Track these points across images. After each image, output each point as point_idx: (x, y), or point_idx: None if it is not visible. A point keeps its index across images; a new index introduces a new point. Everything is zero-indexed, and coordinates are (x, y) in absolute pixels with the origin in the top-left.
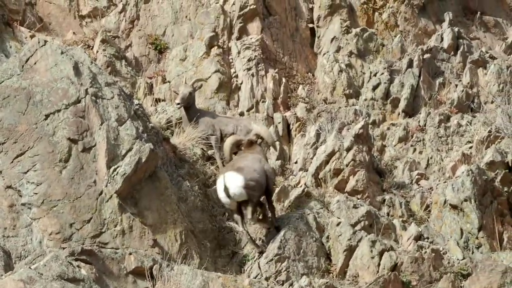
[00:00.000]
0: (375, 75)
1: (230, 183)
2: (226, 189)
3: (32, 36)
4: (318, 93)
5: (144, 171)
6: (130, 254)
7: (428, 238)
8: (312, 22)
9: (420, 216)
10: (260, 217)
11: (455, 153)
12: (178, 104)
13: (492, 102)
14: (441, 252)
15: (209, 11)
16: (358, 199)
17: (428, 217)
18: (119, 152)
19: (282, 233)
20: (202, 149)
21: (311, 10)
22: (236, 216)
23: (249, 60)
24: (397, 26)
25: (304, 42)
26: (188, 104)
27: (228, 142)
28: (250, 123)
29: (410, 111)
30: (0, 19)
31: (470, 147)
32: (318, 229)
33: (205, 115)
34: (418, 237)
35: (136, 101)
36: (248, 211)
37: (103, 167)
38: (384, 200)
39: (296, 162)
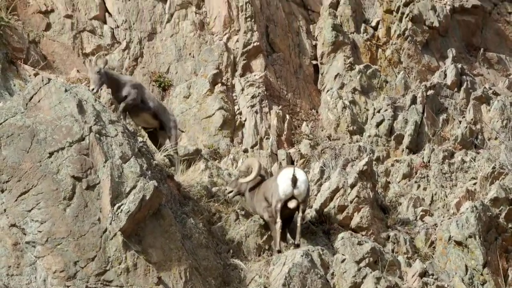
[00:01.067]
0: (378, 111)
1: (300, 175)
2: (294, 179)
3: (36, 74)
4: (322, 130)
5: (148, 208)
6: None
7: (433, 274)
8: (316, 59)
9: (425, 252)
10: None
11: (459, 189)
12: (93, 89)
13: (495, 138)
14: None
15: (212, 48)
16: (363, 235)
17: (433, 254)
18: (123, 190)
19: (286, 270)
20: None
21: (314, 47)
22: (278, 221)
23: (253, 97)
24: (400, 63)
25: (307, 79)
26: (104, 82)
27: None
28: None
29: (414, 148)
30: (4, 58)
31: (474, 183)
32: (322, 266)
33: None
34: (423, 274)
35: (140, 139)
36: (302, 211)
37: (107, 205)
38: (389, 237)
39: None
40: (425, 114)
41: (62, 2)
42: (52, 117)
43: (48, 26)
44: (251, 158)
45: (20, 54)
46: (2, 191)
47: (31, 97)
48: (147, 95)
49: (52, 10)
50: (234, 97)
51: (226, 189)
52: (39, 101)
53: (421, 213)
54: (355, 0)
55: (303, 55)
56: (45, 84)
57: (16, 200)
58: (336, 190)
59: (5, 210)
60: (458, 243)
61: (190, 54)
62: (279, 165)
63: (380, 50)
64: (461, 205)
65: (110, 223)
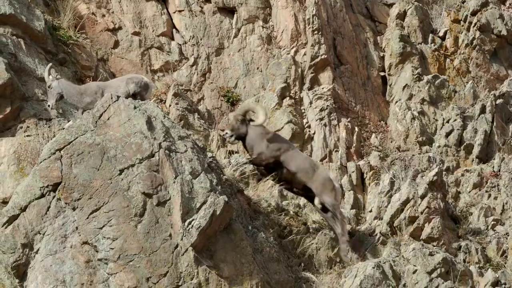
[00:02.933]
0: (447, 121)
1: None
2: None
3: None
4: (391, 141)
5: (219, 223)
6: None
7: (505, 284)
8: (384, 70)
9: (497, 262)
10: None
11: None
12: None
13: None
14: None
15: (280, 62)
16: (434, 246)
17: (505, 263)
18: (193, 205)
19: (358, 282)
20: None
21: (382, 58)
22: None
23: (321, 110)
24: (468, 72)
25: (376, 91)
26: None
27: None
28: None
29: (484, 157)
30: (73, 76)
31: None
32: (394, 278)
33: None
34: (495, 283)
35: (209, 154)
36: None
37: (178, 221)
38: (460, 247)
39: (370, 211)
40: (494, 123)
41: (130, 20)
42: (121, 134)
43: (116, 44)
44: (248, 102)
45: (89, 72)
46: (74, 209)
47: (101, 115)
48: None
49: (120, 28)
50: (303, 111)
51: (226, 133)
52: (108, 118)
53: (492, 222)
54: (422, 11)
55: (371, 66)
56: (114, 101)
57: (87, 218)
58: (407, 201)
59: (77, 228)
60: None
61: (257, 68)
62: (349, 178)
63: (448, 60)
64: None
65: (182, 239)
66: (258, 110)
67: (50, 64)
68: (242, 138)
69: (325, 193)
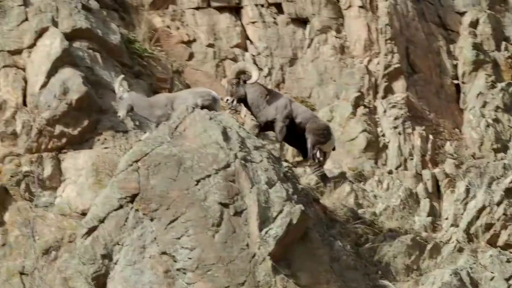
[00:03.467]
0: None
1: None
2: None
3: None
4: (466, 149)
5: (295, 232)
6: None
7: None
8: (457, 78)
9: None
10: None
11: None
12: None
13: None
14: None
15: (353, 72)
16: (511, 252)
17: None
18: (270, 215)
19: None
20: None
21: (455, 66)
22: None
23: (395, 118)
24: None
25: (449, 98)
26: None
27: None
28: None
29: None
30: (148, 88)
31: None
32: (472, 285)
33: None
34: None
35: (285, 164)
36: None
37: (255, 230)
38: None
39: (446, 218)
40: None
41: (204, 32)
42: (197, 145)
43: (191, 56)
44: (237, 64)
45: (164, 84)
46: (152, 220)
47: (177, 126)
48: None
49: (194, 40)
50: (377, 119)
51: (227, 100)
52: (184, 130)
53: None
54: (495, 18)
55: (444, 74)
56: (190, 113)
57: (165, 228)
58: (483, 208)
59: (155, 238)
60: None
61: (331, 78)
62: (424, 185)
63: None
64: None
65: (259, 248)
66: (250, 68)
67: (122, 76)
68: (242, 100)
69: (314, 133)
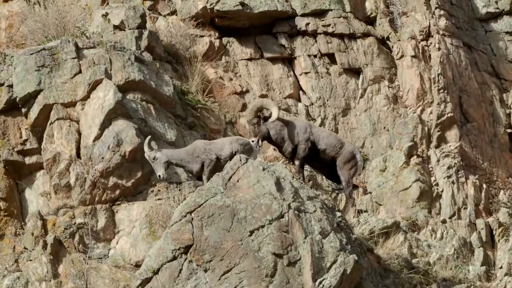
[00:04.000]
0: None
1: None
2: None
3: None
4: None
5: (349, 282)
6: None
7: None
8: (510, 127)
9: None
10: None
11: None
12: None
13: None
14: None
15: (406, 121)
16: None
17: None
18: (324, 265)
19: None
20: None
21: (508, 115)
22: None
23: (449, 167)
24: None
25: (503, 147)
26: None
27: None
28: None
29: None
30: (202, 139)
31: None
32: None
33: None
34: None
35: (338, 214)
36: None
37: (309, 280)
38: None
39: (501, 267)
40: None
41: (257, 83)
42: (251, 195)
43: (244, 107)
44: (254, 102)
45: (218, 135)
46: (206, 271)
47: (230, 177)
48: None
49: (247, 91)
50: (430, 169)
51: (252, 141)
52: (238, 180)
53: None
54: None
55: (497, 124)
56: (243, 163)
57: (219, 279)
58: None
59: None
60: None
61: (384, 127)
62: (478, 234)
63: None
64: None
65: None
66: (269, 105)
67: (149, 137)
68: (266, 138)
69: (345, 168)
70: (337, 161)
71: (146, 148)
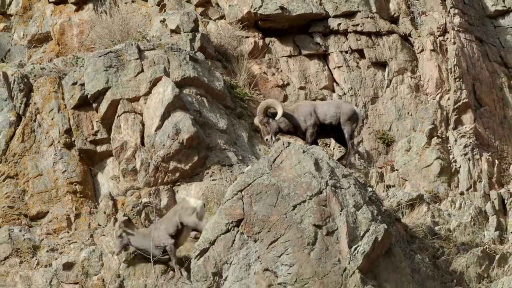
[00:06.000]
0: None
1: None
2: None
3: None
4: None
5: (380, 248)
6: None
7: None
8: None
9: None
10: None
11: None
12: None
13: None
14: None
15: (427, 107)
16: None
17: None
18: (358, 234)
19: None
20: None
21: None
22: None
23: (465, 146)
24: None
25: None
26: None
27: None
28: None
29: None
30: (249, 127)
31: None
32: None
33: None
34: None
35: (369, 189)
36: None
37: (345, 247)
38: None
39: None
40: None
41: (296, 76)
42: (293, 175)
43: (285, 98)
44: (261, 104)
45: None
46: (255, 241)
47: (275, 159)
48: None
49: (288, 84)
50: (449, 148)
51: (267, 139)
52: (281, 162)
53: None
54: None
55: (507, 107)
56: (286, 147)
57: (267, 248)
58: None
59: (258, 257)
60: None
61: (408, 113)
62: (492, 204)
63: None
64: None
65: (349, 263)
66: (273, 103)
67: (123, 218)
68: (279, 131)
69: (348, 124)
70: (341, 121)
71: (116, 227)
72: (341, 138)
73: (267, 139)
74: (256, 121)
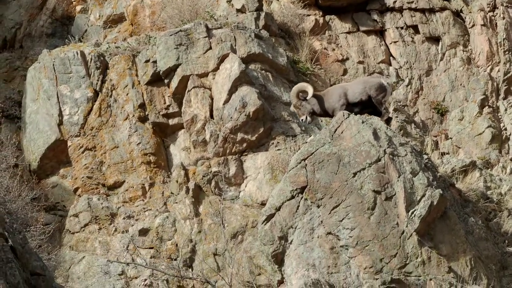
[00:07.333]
0: None
1: None
2: None
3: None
4: None
5: (436, 212)
6: (431, 280)
7: None
8: None
9: None
10: None
11: None
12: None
13: None
14: None
15: (479, 79)
16: None
17: None
18: (414, 198)
19: None
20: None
21: None
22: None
23: None
24: None
25: None
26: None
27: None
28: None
29: None
30: None
31: None
32: None
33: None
34: None
35: (425, 156)
36: None
37: (402, 211)
38: None
39: None
40: None
41: (355, 51)
42: (353, 144)
43: (345, 72)
44: (292, 90)
45: None
46: (318, 207)
47: (335, 130)
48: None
49: (347, 58)
50: (499, 117)
51: (302, 120)
52: (342, 132)
53: None
54: None
55: None
56: (346, 118)
57: (329, 213)
58: None
59: (321, 221)
60: None
61: (461, 84)
62: None
63: None
64: None
65: (407, 226)
66: (304, 86)
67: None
68: (314, 113)
69: (379, 96)
70: (370, 94)
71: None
72: (375, 111)
73: (302, 120)
74: (291, 107)
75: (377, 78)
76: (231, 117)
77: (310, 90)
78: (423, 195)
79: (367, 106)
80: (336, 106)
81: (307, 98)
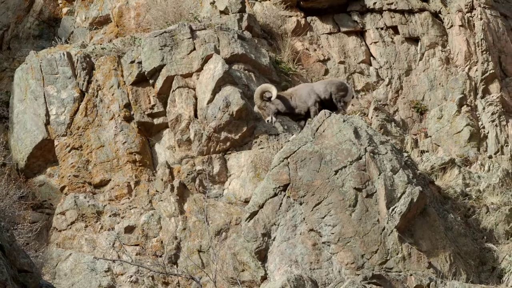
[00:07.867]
0: None
1: None
2: None
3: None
4: None
5: (416, 209)
6: (411, 275)
7: None
8: None
9: None
10: None
11: None
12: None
13: None
14: None
15: (457, 78)
16: None
17: None
18: (395, 196)
19: None
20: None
21: None
22: None
23: (492, 113)
24: None
25: None
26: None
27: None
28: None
29: None
30: None
31: None
32: None
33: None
34: None
35: (405, 154)
36: None
37: (383, 208)
38: None
39: None
40: None
41: (336, 52)
42: (334, 142)
43: (326, 71)
44: (256, 90)
45: None
46: (301, 204)
47: (317, 128)
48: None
49: (328, 59)
50: (478, 115)
51: (268, 121)
52: (323, 131)
53: None
54: None
55: None
56: (327, 117)
57: (312, 210)
58: None
59: (304, 218)
60: None
61: (439, 84)
62: None
63: None
64: None
65: (387, 222)
66: (267, 87)
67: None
68: (279, 112)
69: (339, 95)
70: (332, 91)
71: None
72: (335, 108)
73: (267, 120)
74: (256, 108)
75: (339, 79)
76: (215, 117)
77: (274, 90)
78: (403, 192)
79: (329, 106)
80: (309, 103)
81: (272, 98)
